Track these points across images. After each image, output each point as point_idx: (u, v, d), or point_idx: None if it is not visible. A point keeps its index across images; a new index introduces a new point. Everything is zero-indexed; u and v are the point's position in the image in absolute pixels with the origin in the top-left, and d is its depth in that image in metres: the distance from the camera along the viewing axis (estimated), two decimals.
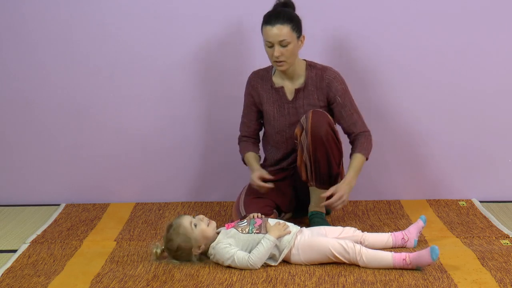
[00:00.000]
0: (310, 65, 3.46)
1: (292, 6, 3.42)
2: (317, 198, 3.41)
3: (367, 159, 3.41)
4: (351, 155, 3.42)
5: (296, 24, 3.34)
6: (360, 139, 3.42)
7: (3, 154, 4.04)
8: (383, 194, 3.97)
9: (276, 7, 3.42)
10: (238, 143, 3.66)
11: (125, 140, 4.01)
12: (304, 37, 3.39)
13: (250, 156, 3.58)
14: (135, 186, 4.05)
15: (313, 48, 3.86)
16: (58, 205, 4.00)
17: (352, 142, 3.45)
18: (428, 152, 3.98)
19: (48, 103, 3.98)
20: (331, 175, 3.36)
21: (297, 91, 3.45)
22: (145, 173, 4.04)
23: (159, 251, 3.07)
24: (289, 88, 3.47)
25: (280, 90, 3.48)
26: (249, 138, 3.63)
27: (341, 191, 3.28)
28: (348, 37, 3.89)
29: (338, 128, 3.45)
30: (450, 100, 3.94)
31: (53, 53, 3.94)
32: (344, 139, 3.45)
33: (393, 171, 3.98)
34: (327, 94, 3.43)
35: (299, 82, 3.46)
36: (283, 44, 3.31)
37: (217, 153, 4.02)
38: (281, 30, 3.30)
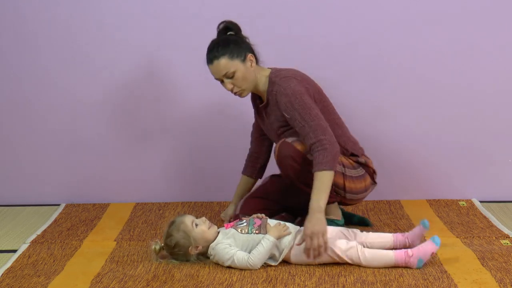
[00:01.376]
0: (270, 79, 3.27)
1: (234, 29, 3.25)
2: (329, 207, 3.33)
3: (332, 169, 3.06)
4: None
5: (233, 50, 3.17)
6: (313, 154, 3.10)
7: (3, 154, 4.04)
8: (383, 194, 3.97)
9: (217, 35, 3.27)
10: (250, 143, 3.62)
11: (125, 140, 4.01)
12: (252, 55, 3.22)
13: (240, 183, 3.59)
14: (135, 186, 4.05)
15: (311, 49, 3.88)
16: (58, 205, 4.00)
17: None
18: (428, 152, 3.98)
19: (48, 103, 3.99)
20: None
21: (263, 108, 3.35)
22: (145, 173, 4.04)
23: (157, 247, 3.07)
24: (262, 104, 3.38)
25: (260, 107, 3.40)
26: (251, 149, 3.60)
27: (313, 231, 2.94)
28: (348, 37, 3.88)
29: None
30: (450, 100, 3.94)
31: (53, 53, 3.94)
32: None
33: (393, 171, 3.98)
34: (279, 110, 3.24)
35: (264, 98, 3.33)
36: (228, 76, 3.19)
37: (218, 153, 4.02)
38: (218, 65, 3.17)
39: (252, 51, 3.26)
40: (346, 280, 2.85)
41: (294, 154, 3.19)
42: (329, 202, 3.20)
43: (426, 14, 3.87)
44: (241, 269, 2.96)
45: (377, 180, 3.62)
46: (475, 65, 3.91)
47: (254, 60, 3.25)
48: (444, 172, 3.99)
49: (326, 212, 3.30)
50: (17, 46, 3.95)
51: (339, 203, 3.43)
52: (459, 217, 3.69)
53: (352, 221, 3.53)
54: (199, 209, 3.88)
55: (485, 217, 3.67)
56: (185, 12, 3.90)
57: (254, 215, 3.18)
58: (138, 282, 2.86)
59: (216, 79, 3.24)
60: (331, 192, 3.14)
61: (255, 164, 3.59)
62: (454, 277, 2.86)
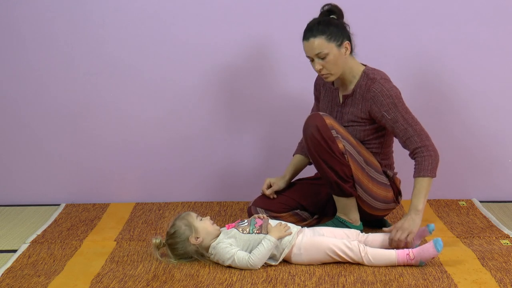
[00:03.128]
0: (365, 73, 3.29)
1: (337, 12, 3.27)
2: (339, 205, 3.34)
3: (434, 176, 3.16)
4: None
5: (332, 32, 3.18)
6: (416, 159, 3.19)
7: (3, 154, 4.04)
8: None
9: (320, 15, 3.28)
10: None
11: (125, 140, 4.01)
12: (348, 43, 3.22)
13: (293, 159, 3.55)
14: (135, 186, 4.05)
15: None
16: (58, 205, 4.00)
17: (414, 161, 3.22)
18: None
19: (48, 103, 3.98)
20: (338, 184, 3.24)
21: (345, 97, 3.32)
22: (145, 173, 4.04)
23: (158, 241, 3.07)
24: (342, 91, 3.36)
25: (335, 91, 3.39)
26: None
27: (403, 226, 3.07)
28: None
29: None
30: (450, 99, 3.94)
31: (52, 53, 3.94)
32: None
33: None
34: (370, 108, 3.24)
35: (349, 88, 3.31)
36: (320, 56, 3.18)
37: (218, 154, 4.02)
38: (314, 43, 3.17)
39: (349, 39, 3.25)
40: (346, 280, 2.85)
41: (320, 125, 3.18)
42: (347, 195, 3.25)
43: (424, 14, 3.87)
44: (241, 269, 2.96)
45: None
46: (475, 64, 3.91)
47: (349, 48, 3.24)
48: (444, 172, 3.98)
49: (344, 212, 3.33)
50: (19, 48, 3.95)
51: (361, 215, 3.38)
52: (459, 217, 3.69)
53: (370, 222, 3.50)
54: (199, 209, 3.88)
55: (485, 217, 3.67)
56: (186, 14, 3.90)
57: (256, 215, 3.19)
58: (138, 282, 2.86)
59: (307, 57, 3.23)
60: (351, 183, 3.24)
61: None
62: (454, 277, 2.86)
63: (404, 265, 2.96)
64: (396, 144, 3.42)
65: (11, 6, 3.90)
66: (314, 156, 3.24)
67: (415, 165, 3.19)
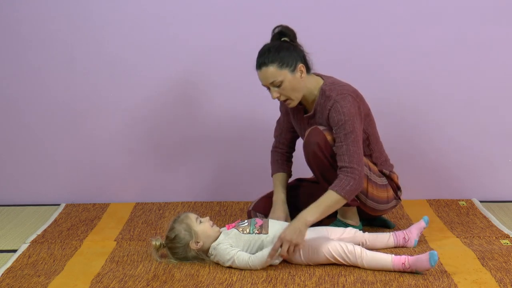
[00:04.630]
0: (322, 90, 3.19)
1: (289, 34, 3.15)
2: (339, 211, 3.32)
3: (345, 199, 3.05)
4: None
5: (283, 59, 3.07)
6: (339, 175, 3.08)
7: (3, 154, 4.04)
8: None
9: (271, 40, 3.17)
10: (271, 151, 3.52)
11: (125, 140, 4.01)
12: (302, 66, 3.12)
13: (279, 178, 3.43)
14: (135, 186, 4.05)
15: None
16: (58, 205, 4.00)
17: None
18: (428, 152, 3.98)
19: (48, 103, 3.99)
20: None
21: (308, 118, 3.26)
22: (145, 173, 4.04)
23: (158, 243, 3.07)
24: (306, 112, 3.30)
25: (301, 112, 3.32)
26: (282, 149, 3.49)
27: (287, 237, 2.93)
28: (349, 35, 3.89)
29: None
30: (450, 100, 3.94)
31: (52, 53, 3.94)
32: None
33: None
34: (329, 124, 3.17)
35: (311, 108, 3.25)
36: (275, 84, 3.09)
37: (218, 154, 4.02)
38: (266, 73, 3.07)
39: (304, 61, 3.16)
40: (346, 280, 2.85)
41: (322, 142, 3.14)
42: (347, 205, 3.21)
43: (422, 14, 3.87)
44: (241, 269, 2.96)
45: None
46: (475, 65, 3.91)
47: (304, 70, 3.14)
48: (444, 172, 3.99)
49: (344, 216, 3.33)
50: (18, 48, 3.95)
51: (361, 213, 3.39)
52: (459, 217, 3.69)
53: (374, 223, 3.50)
54: (199, 209, 3.88)
55: (485, 217, 3.67)
56: (186, 15, 3.90)
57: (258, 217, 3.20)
58: (138, 282, 2.87)
59: (263, 85, 3.15)
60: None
61: (289, 164, 3.48)
62: (454, 277, 2.86)
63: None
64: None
65: (11, 6, 3.91)
66: (315, 173, 3.22)
67: (336, 179, 3.09)
